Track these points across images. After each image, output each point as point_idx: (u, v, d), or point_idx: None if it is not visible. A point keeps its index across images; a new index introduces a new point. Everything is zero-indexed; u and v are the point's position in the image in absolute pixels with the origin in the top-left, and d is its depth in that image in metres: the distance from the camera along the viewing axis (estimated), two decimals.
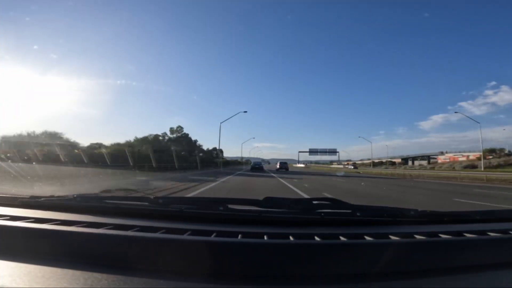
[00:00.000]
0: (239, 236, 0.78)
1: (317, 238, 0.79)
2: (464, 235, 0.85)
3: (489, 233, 0.87)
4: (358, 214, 0.99)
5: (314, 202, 1.07)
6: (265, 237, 0.78)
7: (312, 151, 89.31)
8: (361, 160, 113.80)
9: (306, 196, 7.44)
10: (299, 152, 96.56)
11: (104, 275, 0.63)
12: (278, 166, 30.97)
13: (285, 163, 31.64)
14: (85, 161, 12.98)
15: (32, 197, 1.12)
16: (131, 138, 29.08)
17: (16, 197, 1.12)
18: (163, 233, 0.79)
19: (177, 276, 0.65)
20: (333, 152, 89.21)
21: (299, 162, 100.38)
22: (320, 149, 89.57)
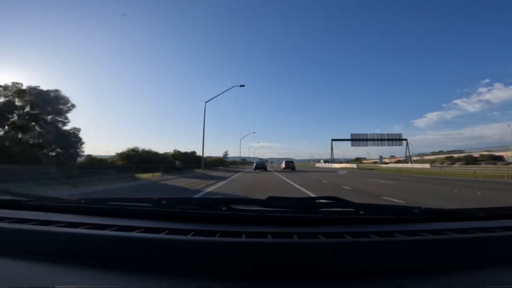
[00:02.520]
0: (243, 236, 0.79)
1: (321, 237, 0.78)
2: (469, 233, 0.85)
3: (494, 231, 0.87)
4: (361, 212, 0.99)
5: (317, 201, 1.08)
6: (269, 237, 0.79)
7: (356, 139, 49.79)
8: (416, 155, 69.80)
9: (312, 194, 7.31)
10: (333, 140, 56.44)
11: (109, 276, 0.65)
12: (283, 166, 29.83)
13: (292, 162, 30.97)
14: None
15: (38, 199, 1.16)
16: None
17: (21, 200, 1.15)
18: (166, 234, 0.80)
19: (181, 277, 0.66)
20: (397, 140, 50.52)
21: (332, 160, 56.41)
22: (372, 134, 45.99)
